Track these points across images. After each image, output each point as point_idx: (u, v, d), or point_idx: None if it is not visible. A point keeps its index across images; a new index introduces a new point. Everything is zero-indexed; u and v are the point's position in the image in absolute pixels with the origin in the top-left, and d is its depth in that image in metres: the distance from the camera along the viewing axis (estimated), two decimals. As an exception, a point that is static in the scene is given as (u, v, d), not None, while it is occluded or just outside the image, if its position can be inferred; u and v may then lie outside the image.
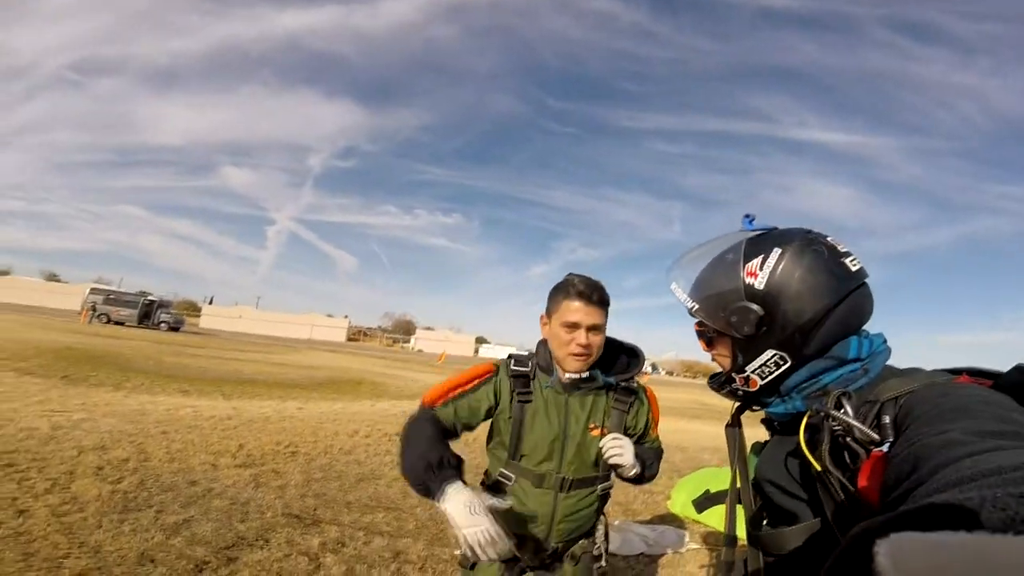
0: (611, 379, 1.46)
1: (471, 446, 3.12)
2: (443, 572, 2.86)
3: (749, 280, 0.80)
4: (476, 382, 1.45)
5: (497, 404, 1.45)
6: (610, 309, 1.43)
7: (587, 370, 1.41)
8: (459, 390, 1.44)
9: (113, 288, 39.06)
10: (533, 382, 1.45)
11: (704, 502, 4.31)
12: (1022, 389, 0.61)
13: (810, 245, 0.79)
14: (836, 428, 0.66)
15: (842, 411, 0.66)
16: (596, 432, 1.43)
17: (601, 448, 1.41)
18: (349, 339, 60.64)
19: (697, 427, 11.14)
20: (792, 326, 0.77)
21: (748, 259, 0.81)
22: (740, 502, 0.91)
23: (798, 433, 0.71)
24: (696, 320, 0.91)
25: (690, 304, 0.88)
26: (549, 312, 1.44)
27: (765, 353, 0.80)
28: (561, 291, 1.41)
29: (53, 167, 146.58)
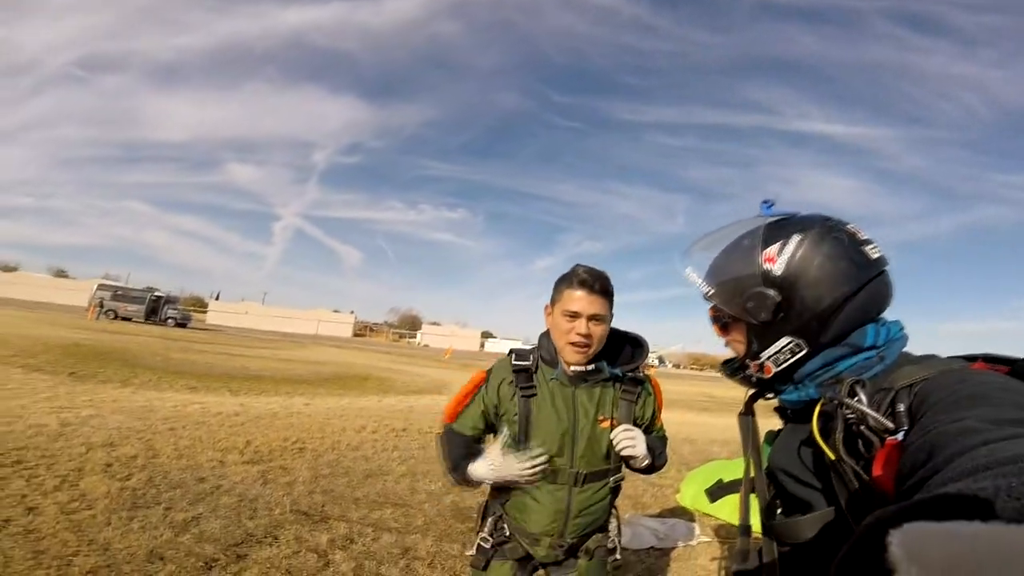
0: (617, 370, 1.45)
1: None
2: (452, 568, 2.84)
3: (767, 266, 0.78)
4: (469, 397, 1.49)
5: (496, 409, 1.45)
6: (614, 302, 1.41)
7: (590, 362, 1.39)
8: (460, 406, 1.49)
9: (120, 284, 39.30)
10: (536, 375, 1.44)
11: (717, 491, 4.30)
12: None
13: (830, 232, 0.77)
14: (850, 416, 0.64)
15: (856, 399, 0.65)
16: (606, 424, 1.42)
17: (613, 440, 1.39)
18: (355, 334, 60.79)
19: (705, 419, 11.14)
20: (810, 313, 0.76)
21: (767, 244, 0.79)
22: (754, 491, 0.89)
23: (811, 421, 0.70)
24: (711, 305, 0.89)
25: (706, 289, 0.87)
26: (553, 301, 1.44)
27: (781, 340, 0.79)
28: (565, 280, 1.40)
29: (60, 163, 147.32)
